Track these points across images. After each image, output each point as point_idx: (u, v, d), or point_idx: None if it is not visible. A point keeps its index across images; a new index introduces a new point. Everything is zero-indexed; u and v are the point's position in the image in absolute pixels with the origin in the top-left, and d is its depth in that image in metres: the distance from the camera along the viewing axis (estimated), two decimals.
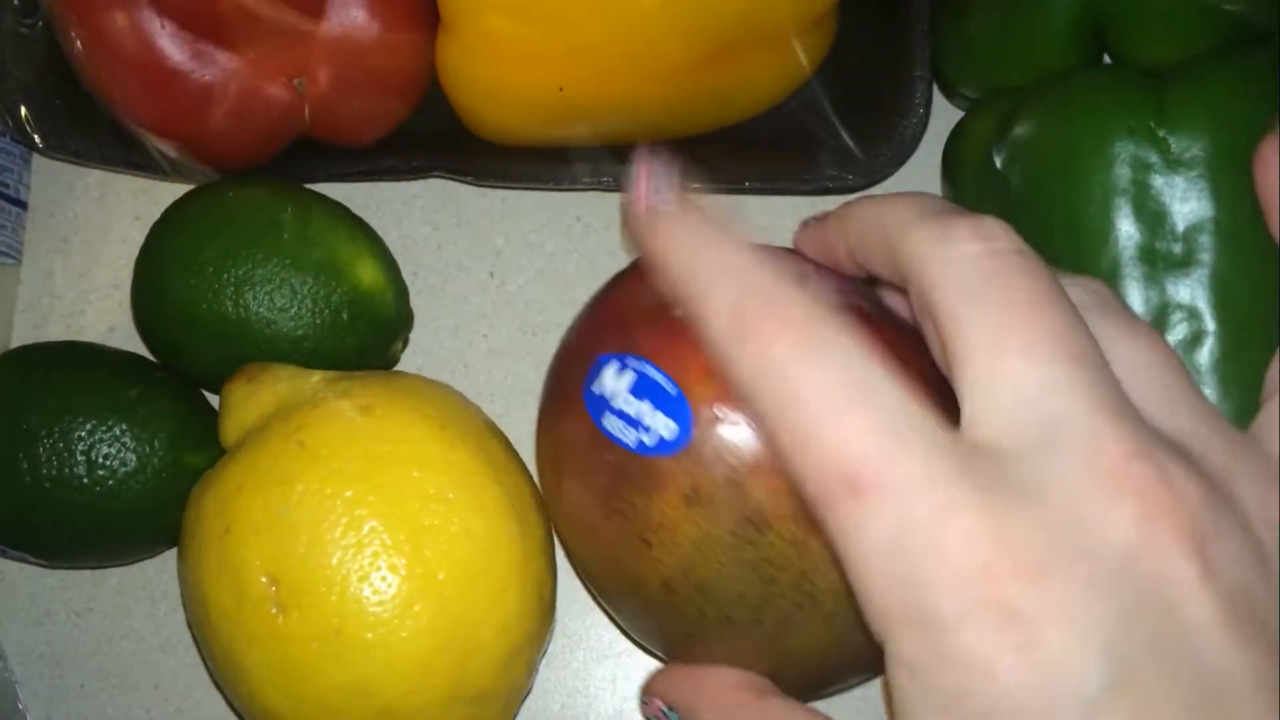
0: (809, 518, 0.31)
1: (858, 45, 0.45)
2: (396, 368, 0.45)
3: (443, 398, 0.40)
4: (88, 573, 0.44)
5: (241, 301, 0.40)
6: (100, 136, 0.43)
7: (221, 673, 0.37)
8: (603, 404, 0.35)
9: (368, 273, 0.42)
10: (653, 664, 0.44)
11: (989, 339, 0.25)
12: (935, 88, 0.45)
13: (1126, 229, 0.38)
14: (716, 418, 0.33)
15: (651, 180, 0.30)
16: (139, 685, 0.44)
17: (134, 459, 0.39)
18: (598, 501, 0.34)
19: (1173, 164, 0.37)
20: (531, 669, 0.39)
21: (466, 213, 0.48)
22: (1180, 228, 0.37)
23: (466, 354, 0.47)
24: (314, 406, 0.38)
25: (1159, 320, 0.37)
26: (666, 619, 0.35)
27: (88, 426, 0.39)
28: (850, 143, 0.45)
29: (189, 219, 0.41)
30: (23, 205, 0.47)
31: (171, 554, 0.43)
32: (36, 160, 0.47)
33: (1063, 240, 0.38)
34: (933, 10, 0.44)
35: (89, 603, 0.44)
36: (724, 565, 0.33)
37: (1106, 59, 0.41)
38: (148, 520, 0.40)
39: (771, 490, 0.33)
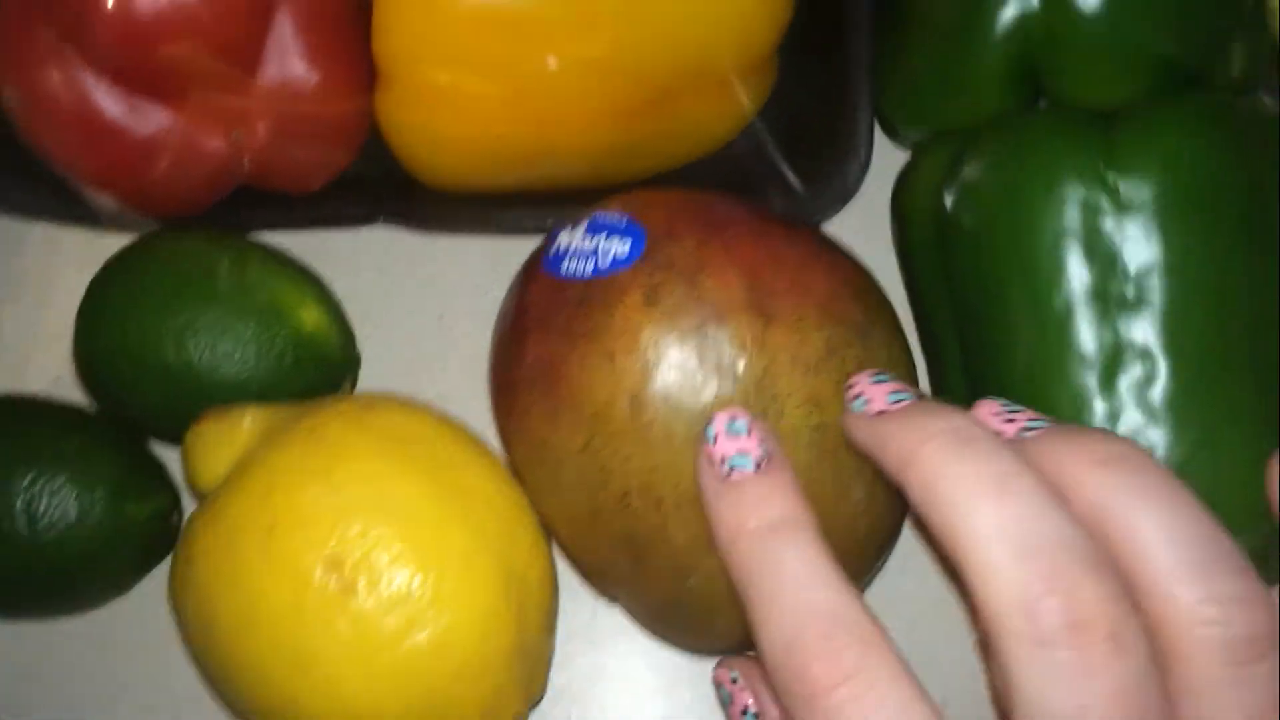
0: (764, 310, 0.35)
1: (799, 85, 0.46)
2: None
3: (417, 402, 0.42)
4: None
5: (184, 350, 0.40)
6: (43, 190, 0.43)
7: (277, 675, 0.36)
8: (559, 256, 0.38)
9: (311, 315, 0.42)
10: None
11: None
12: (880, 128, 0.46)
13: (1078, 271, 0.38)
14: (669, 230, 0.36)
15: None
16: None
17: (75, 510, 0.39)
18: (561, 338, 0.36)
19: (1122, 207, 0.38)
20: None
21: (414, 257, 0.48)
22: (1131, 269, 0.37)
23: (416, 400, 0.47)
24: (315, 412, 0.39)
25: (1112, 361, 0.37)
26: (635, 453, 0.35)
27: (27, 479, 0.39)
28: (795, 181, 0.45)
29: (127, 270, 0.41)
30: None
31: (120, 603, 0.43)
32: None
33: (1017, 283, 0.38)
34: (873, 50, 0.44)
35: (39, 650, 0.44)
36: (683, 361, 0.35)
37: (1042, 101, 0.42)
38: (93, 571, 0.40)
39: (726, 281, 0.35)
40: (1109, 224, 0.37)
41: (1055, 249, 0.38)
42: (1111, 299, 0.37)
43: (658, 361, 0.35)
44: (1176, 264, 0.37)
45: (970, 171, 0.40)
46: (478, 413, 0.46)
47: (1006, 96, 0.41)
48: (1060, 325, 0.37)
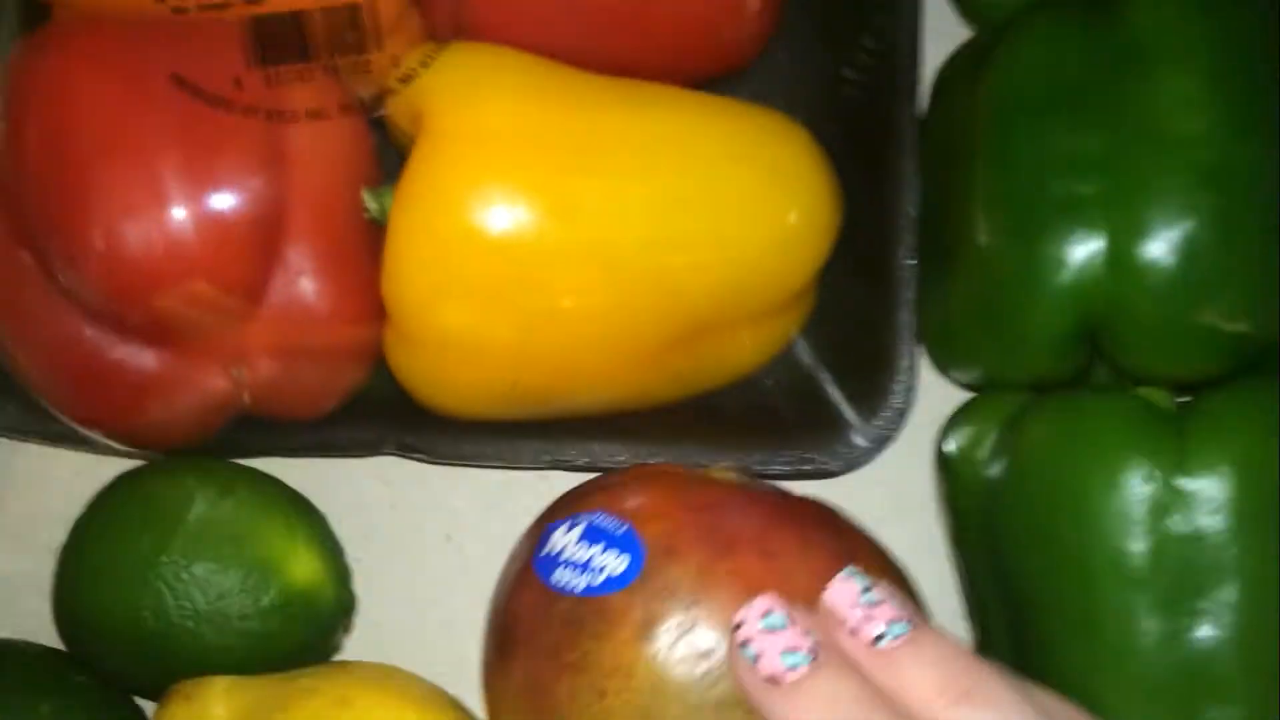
0: None
1: (840, 316, 0.43)
2: (344, 647, 0.43)
3: (405, 678, 0.39)
4: None
5: (163, 612, 0.38)
6: (36, 411, 0.41)
7: None
8: (552, 562, 0.34)
9: (303, 567, 0.39)
10: None
11: None
12: (925, 363, 0.43)
13: (1144, 581, 0.34)
14: (670, 548, 0.32)
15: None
16: None
17: None
18: (549, 662, 0.33)
19: (1194, 516, 0.34)
20: None
21: (422, 473, 0.45)
22: (1204, 588, 0.34)
23: (419, 628, 0.44)
24: (284, 710, 0.36)
25: (1182, 688, 0.34)
26: None
27: None
28: (838, 415, 0.43)
29: (107, 518, 0.39)
30: None
31: None
32: None
33: (1073, 582, 0.35)
34: (920, 285, 0.41)
35: None
36: (687, 708, 0.31)
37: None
38: None
39: (729, 621, 0.31)
40: (1179, 531, 0.34)
41: (1116, 552, 0.35)
42: (1182, 617, 0.34)
43: (652, 706, 0.31)
44: (1255, 582, 0.34)
45: (1023, 447, 0.37)
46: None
47: (1061, 358, 0.38)
48: (1121, 643, 0.34)
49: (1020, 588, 0.37)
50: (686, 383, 0.42)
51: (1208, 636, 0.34)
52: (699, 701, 0.31)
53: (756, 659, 0.29)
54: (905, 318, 0.41)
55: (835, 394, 0.43)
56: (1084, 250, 0.36)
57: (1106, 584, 0.35)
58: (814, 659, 0.29)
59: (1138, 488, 0.35)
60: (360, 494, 0.45)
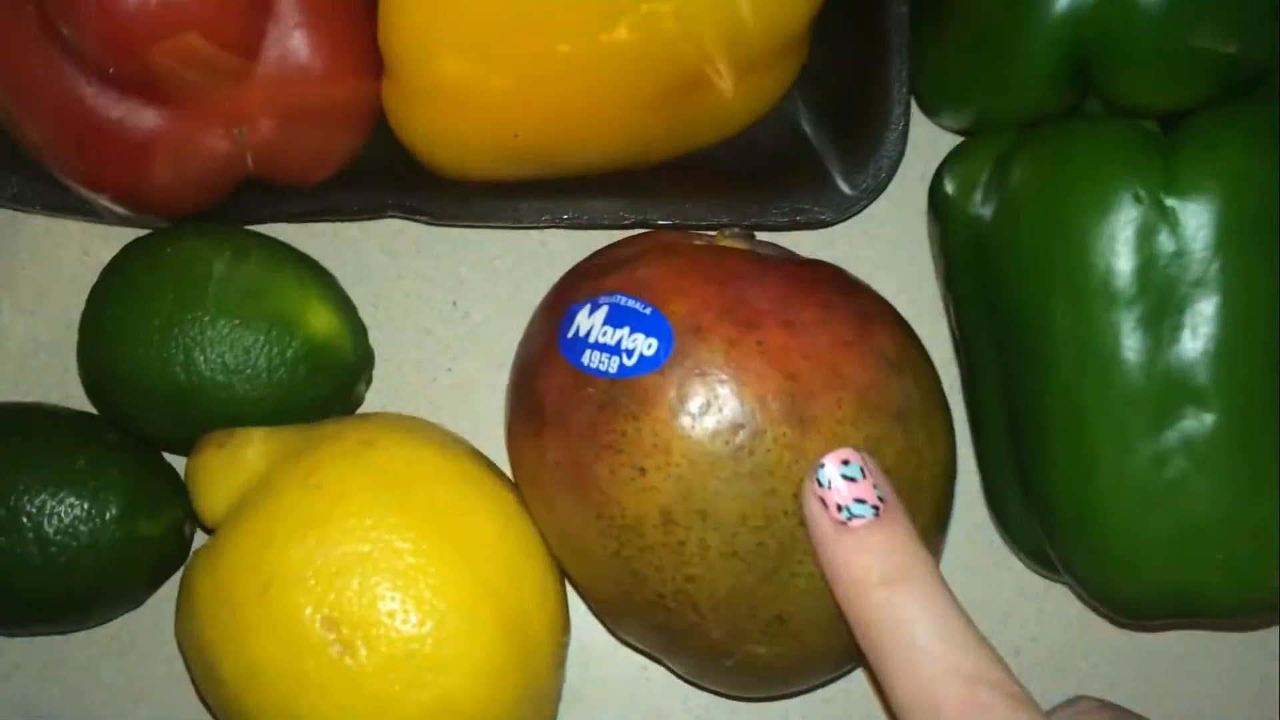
0: (801, 418, 0.33)
1: (833, 58, 0.43)
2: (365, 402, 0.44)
3: (426, 424, 0.40)
4: None
5: (193, 367, 0.39)
6: (40, 183, 0.41)
7: None
8: (580, 344, 0.35)
9: (321, 320, 0.40)
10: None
11: None
12: (918, 110, 0.43)
13: (1129, 299, 0.36)
14: (697, 326, 0.34)
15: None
16: None
17: (86, 532, 0.38)
18: (586, 443, 0.34)
19: (1181, 232, 0.36)
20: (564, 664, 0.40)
21: (426, 240, 0.46)
22: (1187, 301, 0.36)
23: (430, 390, 0.45)
24: (314, 450, 0.37)
25: (1161, 401, 0.35)
26: (669, 564, 0.34)
27: (36, 502, 0.38)
28: (831, 168, 0.43)
29: (126, 283, 0.39)
30: None
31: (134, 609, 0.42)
32: None
33: (1060, 307, 0.37)
34: (911, 31, 0.41)
35: (57, 654, 0.44)
36: (723, 480, 0.33)
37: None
38: (105, 591, 0.40)
39: (761, 392, 0.33)
40: (1165, 249, 0.35)
41: (1105, 273, 0.36)
42: (1165, 331, 0.36)
43: (691, 478, 0.33)
44: (1236, 297, 0.35)
45: (1015, 179, 0.38)
46: (496, 408, 0.45)
47: (1053, 92, 0.38)
48: (1106, 356, 0.36)
49: (1010, 316, 0.38)
50: (682, 136, 0.42)
51: (1189, 349, 0.36)
52: (734, 473, 0.33)
53: (830, 503, 0.32)
54: (898, 65, 0.41)
55: (827, 144, 0.44)
56: None
57: (1094, 302, 0.36)
58: (877, 514, 0.32)
59: (1125, 207, 0.36)
60: (366, 264, 0.45)
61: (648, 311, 0.34)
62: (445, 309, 0.46)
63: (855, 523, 0.32)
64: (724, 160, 0.44)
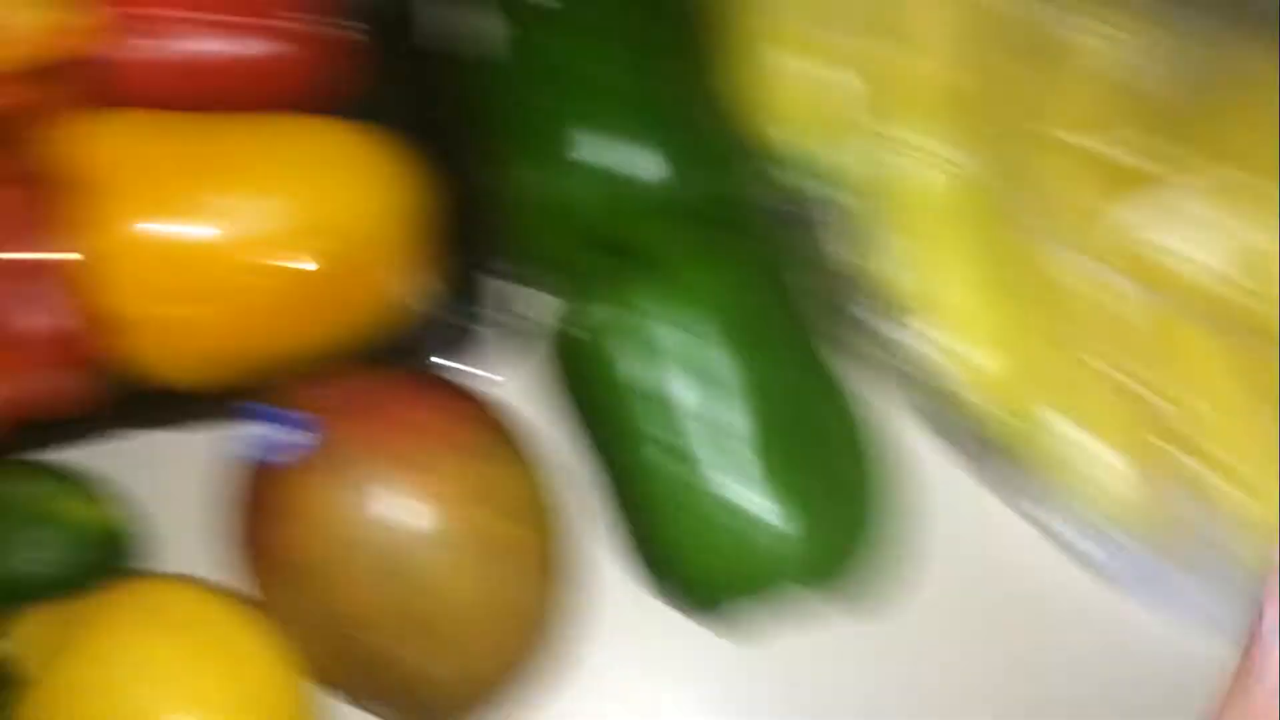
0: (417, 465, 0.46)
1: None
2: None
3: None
4: None
5: None
6: None
7: None
8: (253, 445, 0.46)
9: (78, 509, 0.49)
10: None
11: None
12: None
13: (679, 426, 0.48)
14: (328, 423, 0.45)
15: None
16: None
17: None
18: (260, 519, 0.46)
19: (691, 355, 0.48)
20: None
21: None
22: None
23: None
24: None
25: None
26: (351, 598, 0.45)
27: None
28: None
29: None
30: None
31: None
32: None
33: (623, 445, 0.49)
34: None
35: None
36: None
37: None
38: None
39: (381, 455, 0.46)
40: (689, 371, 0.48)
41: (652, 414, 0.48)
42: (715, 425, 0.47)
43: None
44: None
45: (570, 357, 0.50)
46: None
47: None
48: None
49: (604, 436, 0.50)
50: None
51: (743, 434, 0.47)
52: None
53: None
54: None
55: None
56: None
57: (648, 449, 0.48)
58: None
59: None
60: None
61: (294, 417, 0.47)
62: None
63: None
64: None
